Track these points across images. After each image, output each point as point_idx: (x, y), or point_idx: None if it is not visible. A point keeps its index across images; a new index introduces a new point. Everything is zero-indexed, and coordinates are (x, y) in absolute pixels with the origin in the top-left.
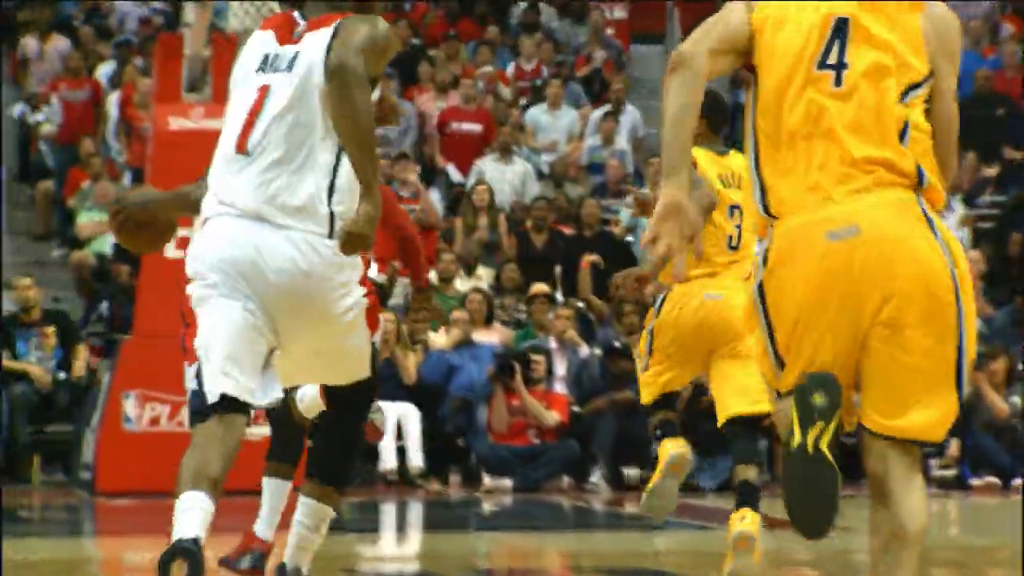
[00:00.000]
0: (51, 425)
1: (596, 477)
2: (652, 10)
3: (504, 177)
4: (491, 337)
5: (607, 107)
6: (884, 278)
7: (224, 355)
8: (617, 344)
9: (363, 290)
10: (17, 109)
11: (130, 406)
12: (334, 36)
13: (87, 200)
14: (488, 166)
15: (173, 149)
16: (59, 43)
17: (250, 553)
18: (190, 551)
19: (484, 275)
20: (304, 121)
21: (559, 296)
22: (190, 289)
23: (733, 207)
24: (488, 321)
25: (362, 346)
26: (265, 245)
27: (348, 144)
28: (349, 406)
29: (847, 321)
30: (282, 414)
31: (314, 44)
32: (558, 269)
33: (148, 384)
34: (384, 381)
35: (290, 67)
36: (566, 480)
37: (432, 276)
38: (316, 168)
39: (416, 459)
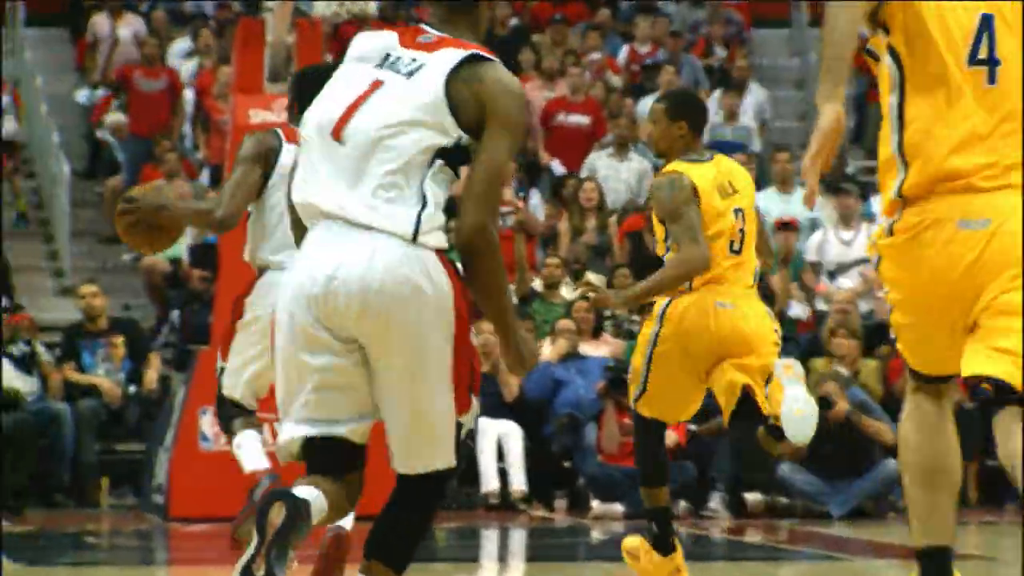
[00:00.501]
0: (120, 443)
1: (715, 502)
2: None
3: (619, 175)
4: (600, 349)
5: (725, 88)
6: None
7: None
8: None
9: None
10: (82, 96)
11: (206, 423)
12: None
13: None
14: (601, 163)
15: None
16: (133, 23)
17: None
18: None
19: (593, 281)
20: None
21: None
22: None
23: (737, 209)
24: (597, 332)
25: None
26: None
27: (483, 305)
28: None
29: (961, 308)
30: None
31: (441, 64)
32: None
33: None
34: (485, 397)
35: (410, 74)
36: (682, 505)
37: (536, 283)
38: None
39: (519, 482)
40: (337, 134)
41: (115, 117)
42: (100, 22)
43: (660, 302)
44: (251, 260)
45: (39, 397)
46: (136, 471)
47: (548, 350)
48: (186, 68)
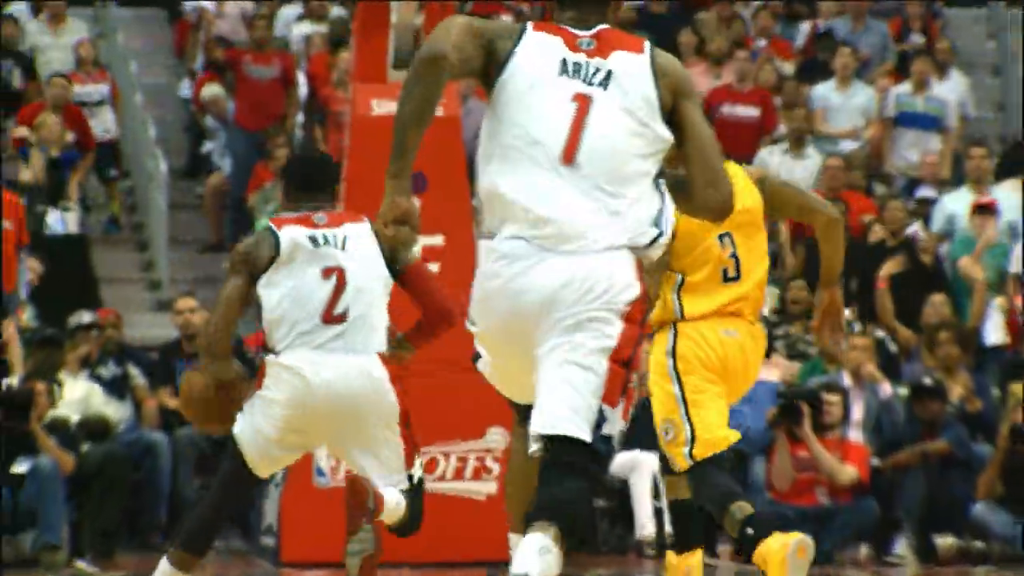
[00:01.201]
0: None
1: (901, 546)
2: None
3: (793, 174)
4: (771, 373)
5: (908, 83)
6: None
7: None
8: (928, 381)
9: None
10: (185, 89)
11: (322, 456)
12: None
13: (271, 201)
14: (775, 159)
15: (376, 138)
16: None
17: None
18: None
19: (766, 295)
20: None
21: (855, 322)
22: None
23: (722, 235)
24: (767, 353)
25: None
26: None
27: None
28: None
29: None
30: None
31: (629, 69)
32: (854, 287)
33: None
34: (639, 426)
35: (604, 85)
36: (863, 550)
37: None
38: None
39: None
40: (569, 158)
41: (212, 90)
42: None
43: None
44: None
45: (132, 425)
46: (243, 510)
47: None
48: (296, 34)
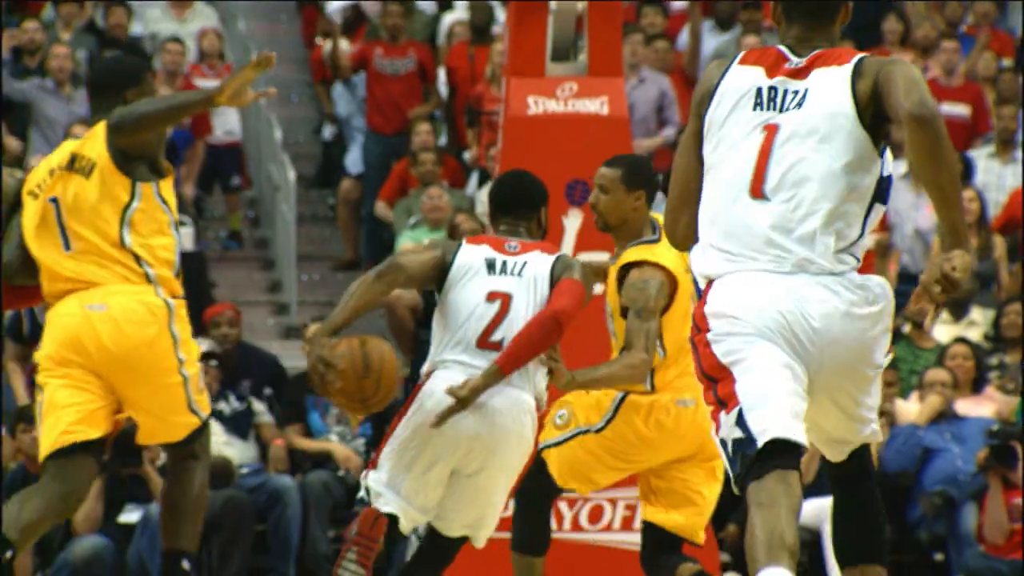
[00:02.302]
0: None
1: None
2: None
3: (1000, 181)
4: (983, 408)
5: None
6: None
7: (786, 398)
8: None
9: None
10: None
11: None
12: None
13: (412, 214)
14: (980, 165)
15: (532, 140)
16: None
17: None
18: None
19: (979, 319)
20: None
21: None
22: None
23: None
24: (979, 386)
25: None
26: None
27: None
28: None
29: None
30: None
31: (829, 82)
32: None
33: None
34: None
35: (800, 105)
36: None
37: (906, 327)
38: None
39: None
40: (757, 192)
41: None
42: None
43: (614, 396)
44: None
45: (257, 469)
46: (382, 566)
47: (915, 409)
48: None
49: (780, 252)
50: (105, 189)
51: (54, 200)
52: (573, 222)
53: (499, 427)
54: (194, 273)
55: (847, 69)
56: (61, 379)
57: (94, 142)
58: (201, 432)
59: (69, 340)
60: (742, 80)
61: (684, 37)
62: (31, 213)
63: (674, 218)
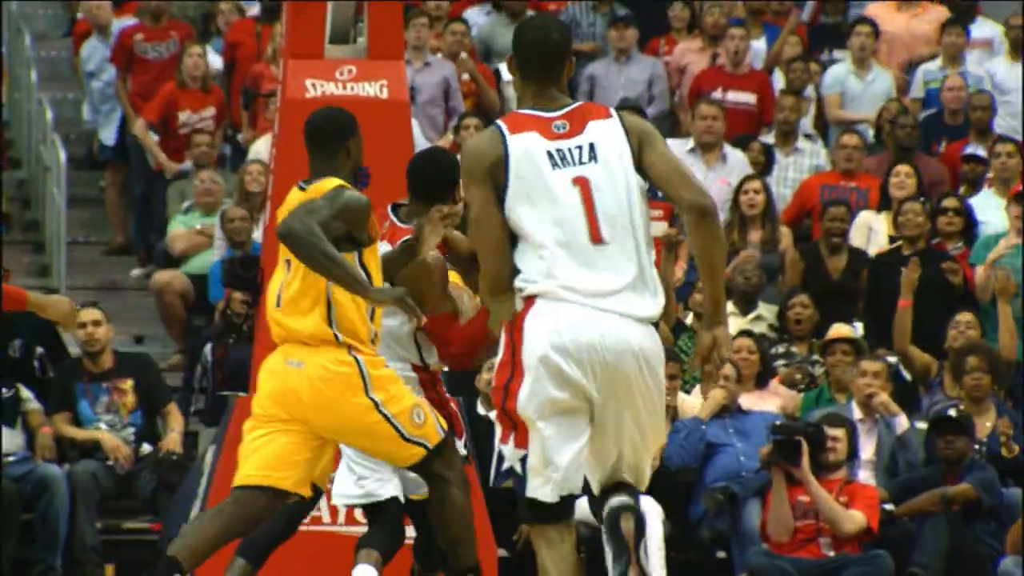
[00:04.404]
0: (129, 520)
1: None
2: None
3: (783, 172)
4: (767, 403)
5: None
6: None
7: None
8: (952, 414)
9: None
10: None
11: None
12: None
13: (186, 198)
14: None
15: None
16: None
17: None
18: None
19: (765, 313)
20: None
21: (865, 344)
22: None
23: None
24: (763, 380)
25: None
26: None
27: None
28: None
29: None
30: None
31: (607, 134)
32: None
33: None
34: None
35: (593, 159)
36: None
37: (689, 318)
38: None
39: None
40: (596, 237)
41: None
42: None
43: None
44: None
45: (24, 457)
46: (150, 559)
47: (697, 403)
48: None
49: (613, 290)
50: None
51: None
52: None
53: None
54: None
55: (613, 123)
56: (267, 426)
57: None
58: (439, 453)
59: (274, 393)
60: (526, 145)
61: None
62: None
63: (497, 269)
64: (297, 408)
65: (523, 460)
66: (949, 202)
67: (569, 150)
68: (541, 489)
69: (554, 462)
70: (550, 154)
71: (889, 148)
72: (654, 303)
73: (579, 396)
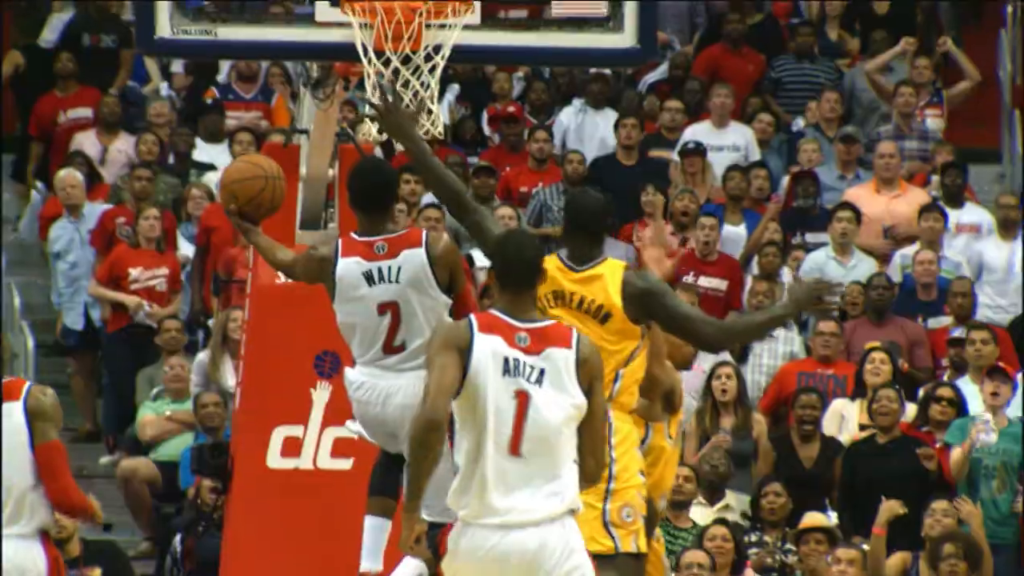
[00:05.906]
0: None
1: None
2: None
3: (758, 360)
4: None
5: None
6: None
7: None
8: None
9: None
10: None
11: None
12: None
13: (154, 385)
14: None
15: (280, 311)
16: None
17: None
18: None
19: (733, 502)
20: None
21: (839, 533)
22: None
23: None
24: (737, 569)
25: None
26: None
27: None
28: None
29: None
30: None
31: (560, 367)
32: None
33: None
34: None
35: (540, 382)
36: None
37: (661, 504)
38: None
39: None
40: (515, 450)
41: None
42: None
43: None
44: None
45: None
46: None
47: None
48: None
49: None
50: None
51: None
52: (322, 395)
53: None
54: None
55: (570, 355)
56: None
57: None
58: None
59: None
60: (490, 346)
61: None
62: None
63: (446, 402)
64: None
65: None
66: (944, 391)
67: (524, 364)
68: None
69: None
70: (506, 360)
71: (863, 311)
72: (561, 502)
73: None
